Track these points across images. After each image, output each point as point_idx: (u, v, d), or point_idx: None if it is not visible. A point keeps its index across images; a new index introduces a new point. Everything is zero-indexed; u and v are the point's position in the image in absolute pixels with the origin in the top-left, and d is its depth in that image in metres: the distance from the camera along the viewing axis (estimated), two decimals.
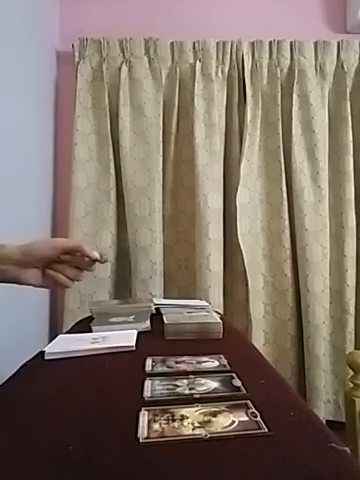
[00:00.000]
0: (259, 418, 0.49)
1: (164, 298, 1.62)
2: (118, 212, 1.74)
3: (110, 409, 0.54)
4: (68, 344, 0.84)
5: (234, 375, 0.65)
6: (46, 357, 0.78)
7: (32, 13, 1.53)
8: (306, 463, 0.41)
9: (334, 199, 1.77)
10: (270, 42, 1.76)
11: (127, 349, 0.82)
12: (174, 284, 1.74)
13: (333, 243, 1.74)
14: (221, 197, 1.71)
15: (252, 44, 1.75)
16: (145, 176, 1.69)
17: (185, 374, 0.66)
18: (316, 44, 1.77)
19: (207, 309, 1.19)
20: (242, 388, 0.60)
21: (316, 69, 1.77)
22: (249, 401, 0.54)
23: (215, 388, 0.60)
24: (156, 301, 1.31)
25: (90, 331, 0.97)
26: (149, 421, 0.49)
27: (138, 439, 0.45)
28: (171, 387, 0.61)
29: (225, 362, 0.72)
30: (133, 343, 0.84)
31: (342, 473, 0.39)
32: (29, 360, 0.78)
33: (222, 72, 1.75)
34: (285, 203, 1.73)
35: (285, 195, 1.73)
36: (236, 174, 1.71)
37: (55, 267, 0.67)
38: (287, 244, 1.73)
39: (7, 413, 0.55)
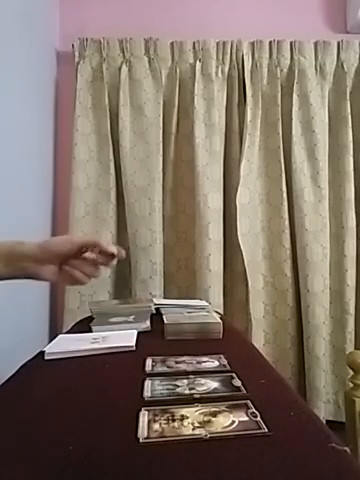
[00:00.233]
0: (259, 418, 0.49)
1: (164, 298, 1.62)
2: (118, 212, 1.74)
3: (110, 409, 0.54)
4: (68, 344, 0.84)
5: (234, 375, 0.65)
6: (46, 357, 0.78)
7: (32, 13, 1.53)
8: (306, 463, 0.40)
9: (334, 199, 1.77)
10: (270, 42, 1.76)
11: (127, 349, 0.81)
12: (174, 284, 1.74)
13: (333, 243, 1.74)
14: (221, 197, 1.71)
15: (252, 44, 1.75)
16: (145, 176, 1.69)
17: (185, 374, 0.66)
18: (316, 44, 1.77)
19: (207, 309, 1.19)
20: (242, 388, 0.60)
21: (316, 69, 1.77)
22: (249, 401, 0.54)
23: (215, 388, 0.60)
24: (156, 301, 1.31)
25: (90, 331, 0.97)
26: (149, 421, 0.49)
27: (138, 439, 0.45)
28: (171, 387, 0.61)
29: (225, 362, 0.72)
30: (133, 343, 0.84)
31: (342, 473, 0.39)
32: (29, 360, 0.78)
33: (222, 72, 1.75)
34: (285, 203, 1.73)
35: (285, 195, 1.73)
36: (236, 174, 1.71)
37: (72, 263, 0.67)
38: (287, 244, 1.73)
39: (7, 413, 0.55)
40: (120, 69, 1.72)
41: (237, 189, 1.68)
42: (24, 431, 0.49)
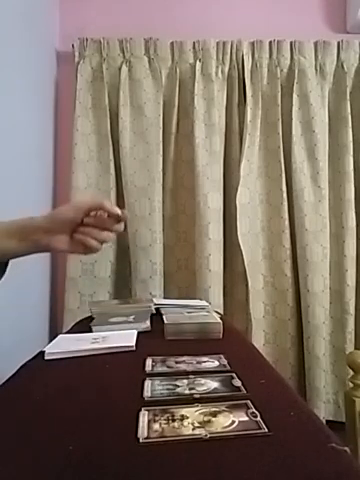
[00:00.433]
0: (259, 418, 0.49)
1: (164, 298, 1.62)
2: None
3: (110, 409, 0.54)
4: (68, 344, 0.84)
5: (234, 375, 0.65)
6: (46, 357, 0.78)
7: (32, 13, 1.53)
8: (306, 463, 0.41)
9: (334, 199, 1.77)
10: (270, 42, 1.76)
11: (127, 349, 0.81)
12: (174, 284, 1.74)
13: (333, 243, 1.74)
14: (221, 197, 1.71)
15: (252, 44, 1.75)
16: (145, 176, 1.69)
17: (185, 374, 0.66)
18: (316, 44, 1.77)
19: (207, 309, 1.19)
20: (242, 388, 0.60)
21: (316, 69, 1.77)
22: (249, 401, 0.54)
23: (215, 388, 0.60)
24: (156, 301, 1.31)
25: (90, 331, 0.97)
26: (149, 421, 0.49)
27: (138, 439, 0.45)
28: (171, 387, 0.61)
29: (225, 362, 0.72)
30: (133, 343, 0.84)
31: (342, 473, 0.39)
32: (29, 360, 0.78)
33: (222, 72, 1.75)
34: (285, 203, 1.73)
35: (285, 195, 1.73)
36: (236, 174, 1.71)
37: (82, 231, 0.67)
38: (287, 244, 1.73)
39: (7, 413, 0.55)
40: (120, 69, 1.72)
41: (237, 189, 1.68)
42: (24, 431, 0.49)
